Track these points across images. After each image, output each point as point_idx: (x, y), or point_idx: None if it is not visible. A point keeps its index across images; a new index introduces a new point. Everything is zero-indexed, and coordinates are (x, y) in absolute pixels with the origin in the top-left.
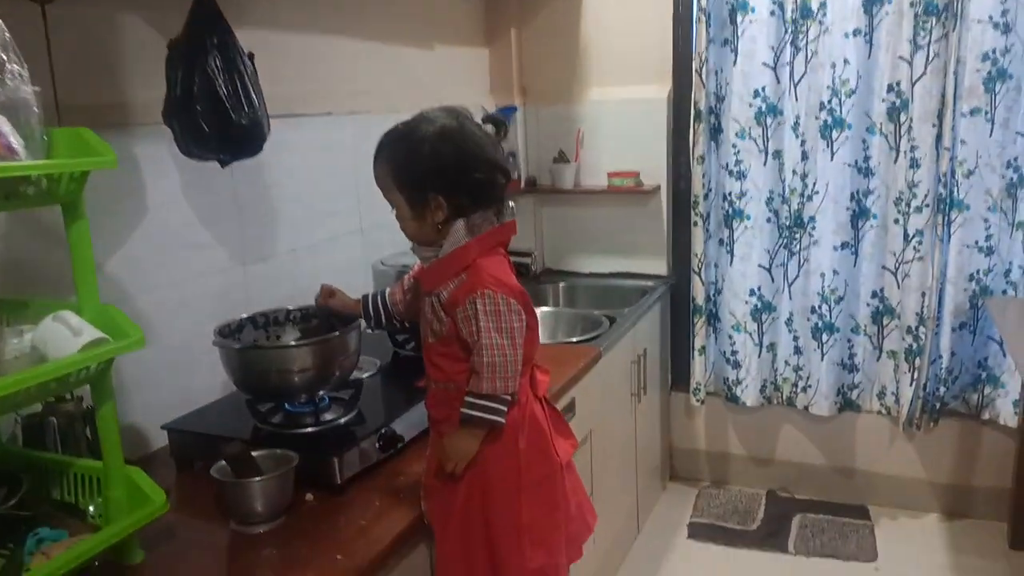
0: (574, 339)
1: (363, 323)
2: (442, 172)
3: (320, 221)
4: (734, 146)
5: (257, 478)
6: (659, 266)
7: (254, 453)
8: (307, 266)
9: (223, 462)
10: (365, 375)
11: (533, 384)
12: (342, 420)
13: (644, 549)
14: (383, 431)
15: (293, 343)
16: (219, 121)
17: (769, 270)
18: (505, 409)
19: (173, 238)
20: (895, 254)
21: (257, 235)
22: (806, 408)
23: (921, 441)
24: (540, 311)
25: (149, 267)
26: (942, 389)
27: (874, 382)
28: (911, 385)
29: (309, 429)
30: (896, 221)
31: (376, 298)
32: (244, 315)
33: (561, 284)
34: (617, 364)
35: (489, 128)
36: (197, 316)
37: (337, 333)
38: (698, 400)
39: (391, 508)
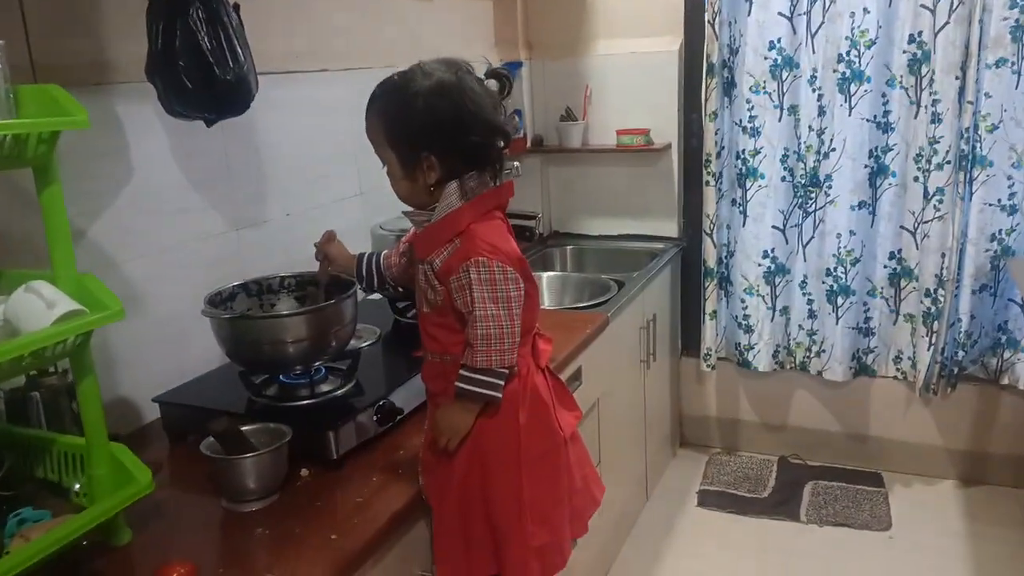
0: (581, 305)
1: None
2: (436, 131)
3: (316, 184)
4: (748, 101)
5: (248, 455)
6: (670, 228)
7: (246, 428)
8: (303, 231)
9: (212, 438)
10: (364, 344)
11: (535, 354)
12: (339, 392)
13: (653, 517)
14: (381, 403)
15: (286, 312)
16: (203, 77)
17: (783, 231)
18: (502, 383)
19: (161, 202)
20: (914, 213)
21: (250, 199)
22: (820, 373)
23: (938, 406)
24: (546, 276)
25: (136, 233)
26: (960, 353)
27: (890, 346)
28: (928, 349)
29: (305, 402)
30: (916, 179)
31: (371, 259)
32: (236, 283)
33: (568, 247)
34: (626, 330)
35: (492, 84)
36: (189, 284)
37: (332, 301)
38: (709, 366)
39: (389, 484)
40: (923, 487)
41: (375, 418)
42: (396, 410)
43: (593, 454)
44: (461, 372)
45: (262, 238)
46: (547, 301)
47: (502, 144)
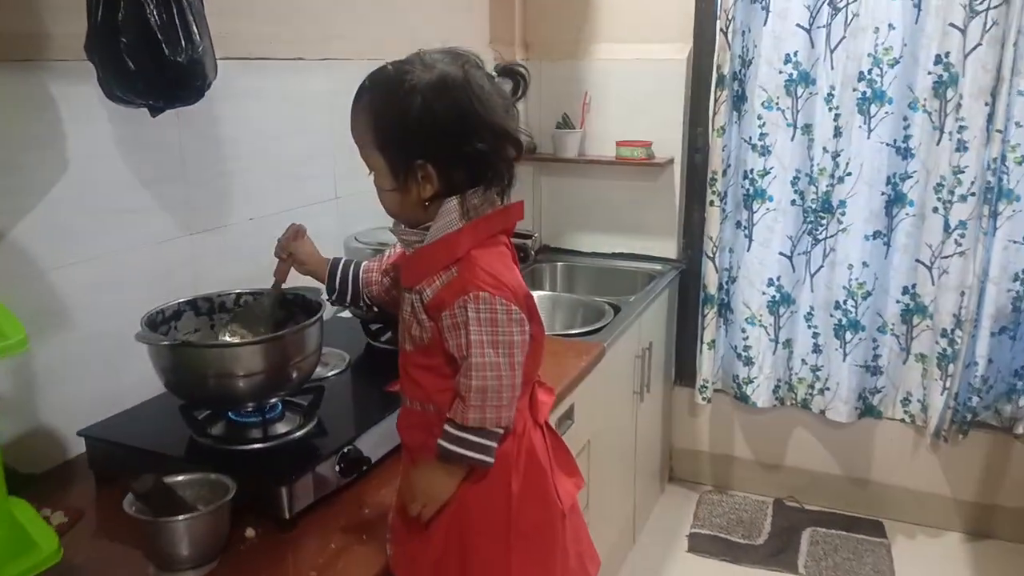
0: (574, 332)
1: (324, 294)
2: (435, 135)
3: (286, 185)
4: (759, 117)
5: (180, 517)
6: (668, 248)
7: (181, 478)
8: (269, 239)
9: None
10: (330, 372)
11: (533, 407)
12: (297, 434)
13: (640, 563)
14: (346, 450)
15: (236, 341)
16: (149, 57)
17: (791, 258)
18: (494, 445)
19: (101, 200)
20: (932, 247)
21: (208, 200)
22: (823, 412)
23: (946, 454)
24: (536, 295)
25: (70, 235)
26: (974, 399)
27: (899, 387)
28: (942, 393)
29: (255, 445)
30: (935, 210)
31: (348, 270)
32: (183, 299)
33: (559, 264)
34: (620, 360)
35: (504, 84)
36: (131, 296)
37: (293, 328)
38: (704, 399)
39: (350, 550)
40: (927, 539)
41: (337, 468)
42: (363, 459)
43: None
44: (447, 428)
45: (220, 245)
46: None
47: (513, 155)
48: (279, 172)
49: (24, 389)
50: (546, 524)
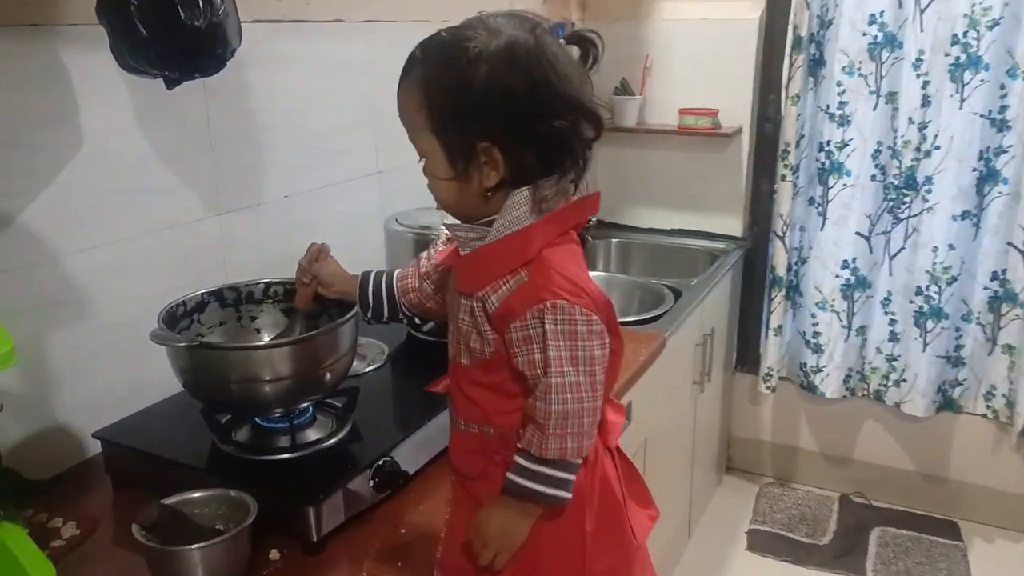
0: (631, 319)
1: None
2: (504, 112)
3: (324, 160)
4: (839, 84)
5: (194, 546)
6: (733, 225)
7: (199, 494)
8: (304, 218)
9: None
10: (368, 368)
11: (603, 429)
12: (329, 442)
13: (696, 561)
14: (381, 463)
15: (263, 343)
16: (163, 22)
17: (868, 239)
18: (572, 479)
19: (120, 179)
20: None
21: (238, 176)
22: (897, 405)
23: None
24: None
25: (85, 218)
26: None
27: (982, 380)
28: None
29: (283, 456)
30: None
31: (380, 282)
32: (207, 290)
33: (614, 241)
34: (681, 348)
35: (573, 52)
36: (153, 283)
37: (325, 328)
38: (768, 387)
39: None
40: (1006, 543)
41: (372, 483)
42: (399, 473)
43: None
44: (519, 461)
45: (252, 226)
46: None
47: (592, 134)
48: (316, 146)
49: (35, 386)
50: (621, 563)
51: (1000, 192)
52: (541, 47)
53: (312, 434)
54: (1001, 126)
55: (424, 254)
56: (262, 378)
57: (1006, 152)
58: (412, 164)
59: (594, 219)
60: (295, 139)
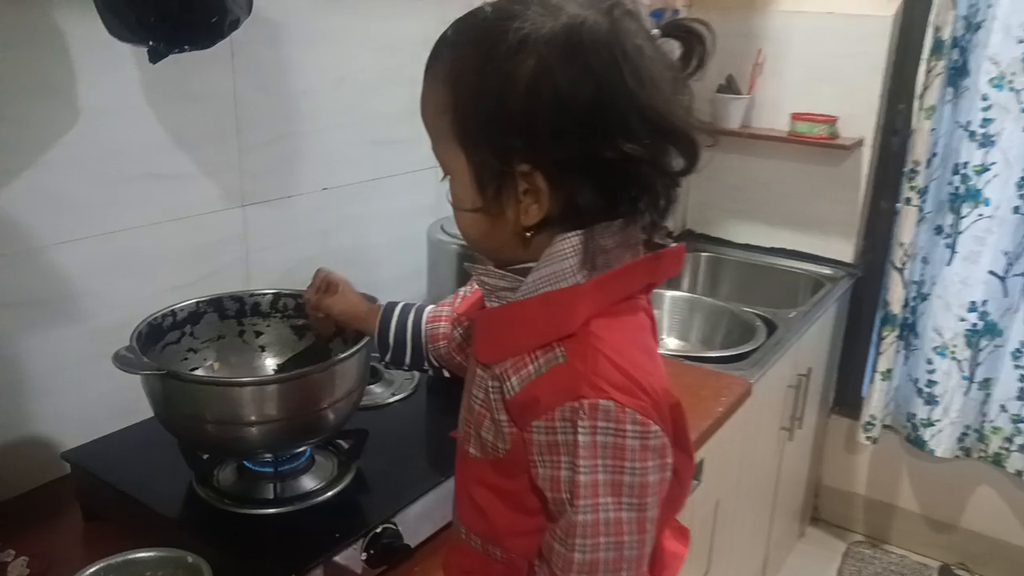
0: (712, 354)
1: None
2: (556, 126)
3: (370, 151)
4: (984, 98)
5: None
6: (843, 250)
7: (148, 554)
8: (345, 215)
9: None
10: (393, 397)
11: (656, 564)
12: (325, 495)
13: None
14: (380, 530)
15: (242, 380)
16: None
17: (1003, 280)
18: None
19: (122, 162)
20: None
21: (268, 165)
22: (1019, 473)
23: None
24: (668, 296)
25: (79, 205)
26: None
27: None
28: None
29: (266, 511)
30: None
31: (406, 321)
32: (203, 297)
33: (703, 256)
34: (770, 392)
35: (670, 48)
36: (154, 280)
37: (326, 363)
38: (869, 437)
39: None
40: None
41: (364, 556)
42: (400, 548)
43: (701, 555)
44: None
45: (282, 220)
46: (664, 333)
47: (681, 166)
48: (363, 134)
49: (10, 392)
50: None
51: None
52: (618, 35)
53: (306, 482)
54: None
55: (463, 290)
56: (245, 419)
57: None
58: None
59: (675, 227)
60: (340, 126)
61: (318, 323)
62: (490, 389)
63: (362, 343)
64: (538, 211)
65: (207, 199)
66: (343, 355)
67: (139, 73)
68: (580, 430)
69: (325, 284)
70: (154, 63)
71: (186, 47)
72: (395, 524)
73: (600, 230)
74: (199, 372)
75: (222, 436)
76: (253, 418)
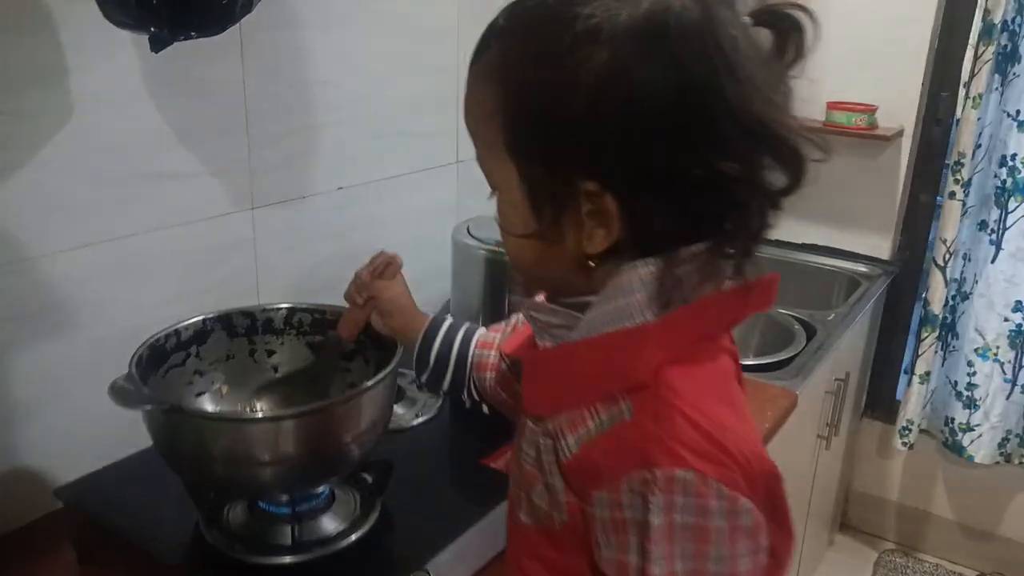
0: (750, 361)
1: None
2: (633, 137)
3: (392, 144)
4: None
5: None
6: (880, 246)
7: None
8: (362, 215)
9: None
10: (416, 419)
11: None
12: (345, 541)
13: None
14: None
15: (259, 416)
16: None
17: None
18: None
19: (122, 161)
20: None
21: (281, 162)
22: None
23: None
24: None
25: (73, 209)
26: None
27: None
28: None
29: (279, 559)
30: None
31: (453, 340)
32: (211, 314)
33: None
34: (808, 400)
35: (761, 38)
36: (157, 291)
37: (348, 395)
38: (905, 443)
39: None
40: None
41: None
42: None
43: None
44: None
45: (295, 222)
46: None
47: (784, 185)
48: (382, 127)
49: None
50: None
51: None
52: (712, 25)
53: (326, 524)
54: None
55: (516, 318)
56: (258, 458)
57: None
58: None
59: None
60: (357, 119)
61: (355, 314)
62: (542, 447)
63: (390, 367)
64: (604, 237)
65: (215, 200)
66: (370, 382)
67: (138, 61)
68: (652, 508)
69: (383, 266)
70: (156, 52)
71: (193, 34)
72: (428, 572)
73: (680, 256)
74: (205, 397)
75: (232, 476)
76: (267, 457)
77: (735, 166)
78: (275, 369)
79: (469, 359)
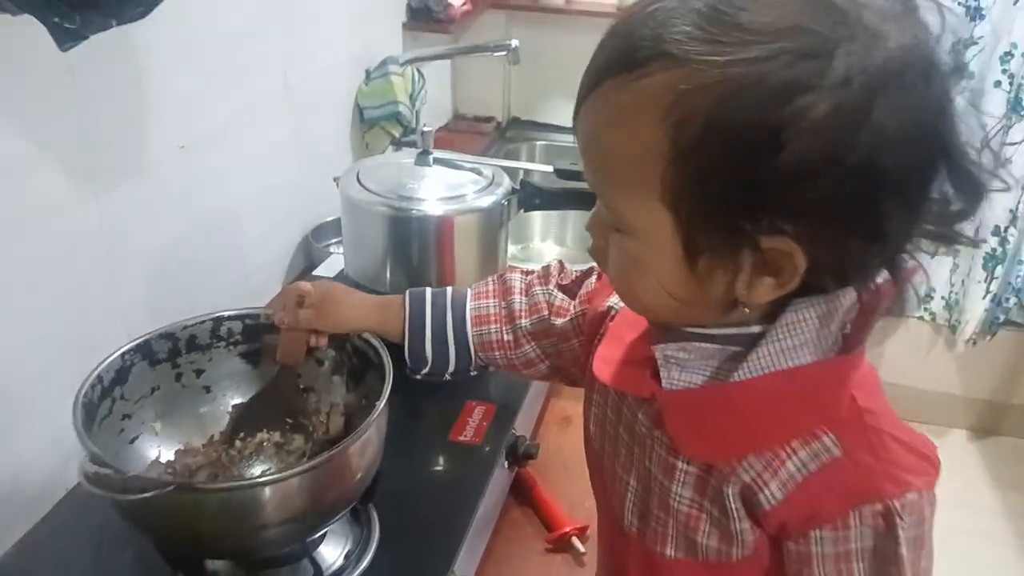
0: None
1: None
2: (867, 198)
3: (223, 81)
4: None
5: None
6: None
7: None
8: (207, 174)
9: None
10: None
11: None
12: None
13: None
14: None
15: (260, 479)
16: None
17: None
18: None
19: None
20: None
21: (115, 132)
22: None
23: (967, 354)
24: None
25: None
26: (1011, 299)
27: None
28: (984, 296)
29: None
30: None
31: (443, 322)
32: (128, 345)
33: (538, 144)
34: None
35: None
36: (14, 318)
37: (340, 447)
38: None
39: None
40: (932, 437)
41: None
42: None
43: None
44: None
45: (142, 199)
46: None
47: (957, 209)
48: (213, 61)
49: None
50: None
51: None
52: (936, 65)
53: (325, 554)
54: None
55: (519, 282)
56: (262, 523)
57: None
58: (328, 70)
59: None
60: (192, 57)
61: (292, 339)
62: (717, 493)
63: (375, 412)
64: (773, 287)
65: (56, 194)
66: (377, 412)
67: None
68: (902, 533)
69: (296, 298)
70: (64, 50)
71: (113, 22)
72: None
73: (843, 296)
74: (141, 441)
75: (224, 544)
76: (256, 524)
77: (935, 208)
78: (207, 389)
79: (470, 343)
